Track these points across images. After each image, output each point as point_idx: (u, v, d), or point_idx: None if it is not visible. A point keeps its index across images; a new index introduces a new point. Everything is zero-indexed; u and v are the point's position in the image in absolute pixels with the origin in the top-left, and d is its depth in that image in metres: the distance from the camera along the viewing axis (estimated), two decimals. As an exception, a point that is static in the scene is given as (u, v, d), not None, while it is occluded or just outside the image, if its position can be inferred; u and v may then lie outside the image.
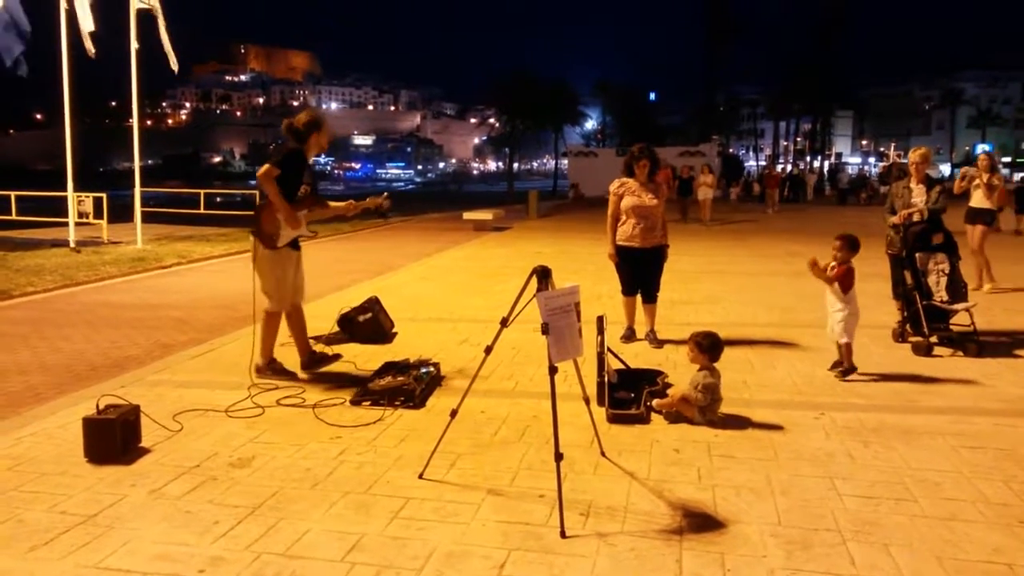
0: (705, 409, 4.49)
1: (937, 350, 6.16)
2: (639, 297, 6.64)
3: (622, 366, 5.23)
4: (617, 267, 6.66)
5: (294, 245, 5.49)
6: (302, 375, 5.60)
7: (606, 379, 4.73)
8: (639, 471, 3.80)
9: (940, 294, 6.39)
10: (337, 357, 5.90)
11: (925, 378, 5.46)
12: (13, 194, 18.28)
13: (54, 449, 4.13)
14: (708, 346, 4.68)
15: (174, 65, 15.23)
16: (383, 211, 5.89)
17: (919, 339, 6.21)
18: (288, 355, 5.75)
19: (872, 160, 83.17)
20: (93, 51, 14.20)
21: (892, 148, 53.06)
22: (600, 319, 5.11)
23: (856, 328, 5.47)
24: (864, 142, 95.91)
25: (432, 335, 6.98)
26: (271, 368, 5.55)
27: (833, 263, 5.48)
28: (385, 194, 5.89)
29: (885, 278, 7.12)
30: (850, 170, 52.05)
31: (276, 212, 5.23)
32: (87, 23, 13.94)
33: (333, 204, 5.71)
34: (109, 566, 2.90)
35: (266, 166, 5.15)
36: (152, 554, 2.98)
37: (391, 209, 6.01)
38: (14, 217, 18.07)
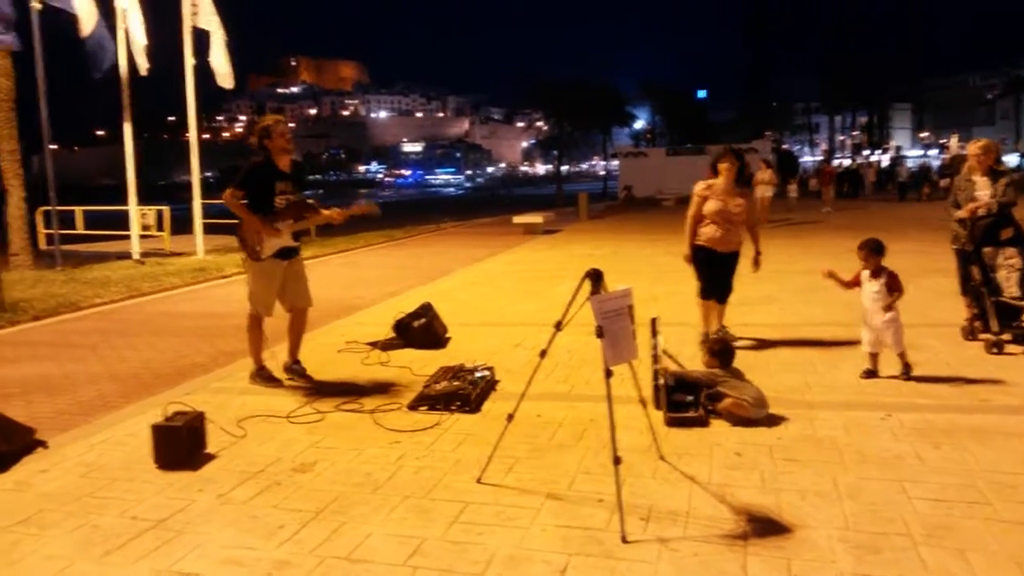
0: (754, 404, 4.44)
1: (1009, 348, 5.94)
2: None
3: (678, 369, 5.17)
4: (697, 269, 6.50)
5: (284, 255, 5.55)
6: (284, 379, 5.69)
7: (662, 382, 4.69)
8: (700, 475, 3.75)
9: (1011, 290, 6.16)
10: (309, 380, 5.72)
11: (997, 377, 5.26)
12: (79, 209, 18.95)
13: (124, 456, 4.25)
14: (718, 351, 4.81)
15: (229, 84, 15.53)
16: (374, 216, 6.10)
17: (989, 336, 6.00)
18: (345, 360, 5.83)
19: (933, 153, 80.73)
20: (147, 67, 14.64)
21: (954, 140, 51.35)
22: (654, 321, 5.06)
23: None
24: (924, 135, 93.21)
25: (485, 339, 7.00)
26: (259, 375, 5.64)
27: (867, 272, 5.32)
28: (374, 203, 6.20)
29: (949, 274, 6.89)
30: (910, 163, 50.15)
31: (255, 225, 5.36)
32: (140, 39, 14.38)
33: (324, 212, 5.69)
34: (180, 570, 2.97)
35: (228, 189, 5.33)
36: (221, 558, 3.05)
37: (379, 215, 6.18)
38: (80, 231, 18.72)
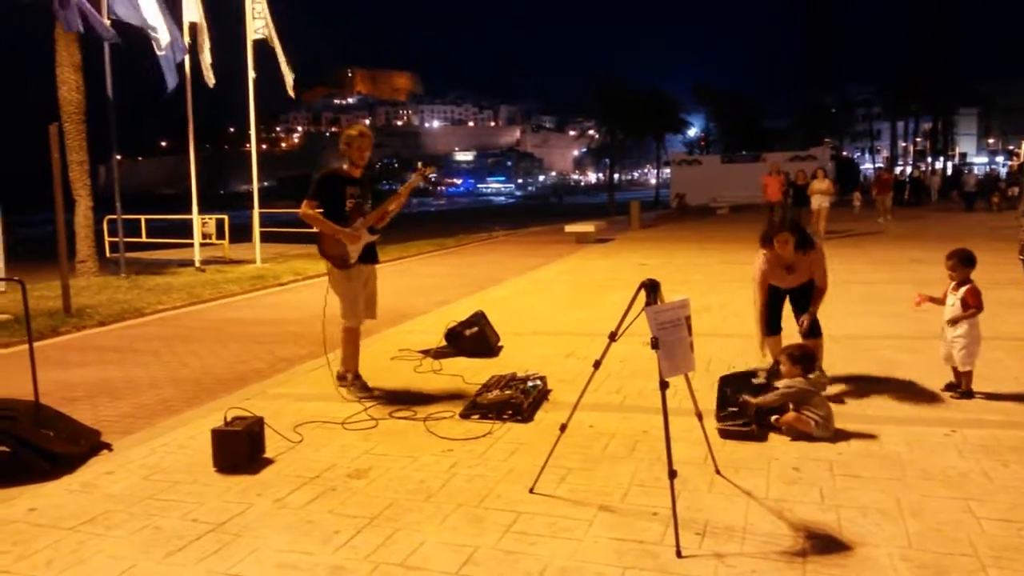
0: (821, 424, 4.32)
1: (1082, 362, 5.70)
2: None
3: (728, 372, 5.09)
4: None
5: (367, 258, 5.64)
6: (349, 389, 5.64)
7: (727, 393, 4.61)
8: (756, 490, 3.68)
9: (1084, 302, 5.91)
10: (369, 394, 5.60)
11: (1070, 393, 5.05)
12: (143, 218, 19.57)
13: (186, 459, 4.36)
14: (799, 357, 4.60)
15: (291, 90, 15.91)
16: (427, 176, 5.99)
17: (1061, 350, 5.76)
18: (398, 367, 5.87)
19: (1000, 159, 78.03)
20: (213, 81, 15.08)
21: (1023, 146, 49.58)
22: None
23: (980, 348, 5.08)
24: (991, 140, 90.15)
25: (537, 349, 7.00)
26: (356, 383, 5.66)
27: (952, 284, 5.12)
28: (419, 164, 5.97)
29: (1020, 285, 6.65)
30: (976, 170, 48.17)
31: (335, 234, 5.43)
32: (207, 55, 14.86)
33: (391, 198, 5.65)
34: (238, 573, 3.03)
35: (303, 204, 5.44)
36: (277, 562, 3.10)
37: (434, 170, 6.09)
38: (144, 239, 19.32)
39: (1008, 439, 4.23)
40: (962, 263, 5.07)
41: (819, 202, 18.15)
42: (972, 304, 4.97)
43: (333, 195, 5.49)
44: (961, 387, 5.06)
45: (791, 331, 5.49)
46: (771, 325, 5.52)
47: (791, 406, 4.44)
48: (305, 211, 5.42)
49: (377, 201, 5.64)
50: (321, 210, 5.46)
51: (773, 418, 4.48)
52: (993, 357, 5.86)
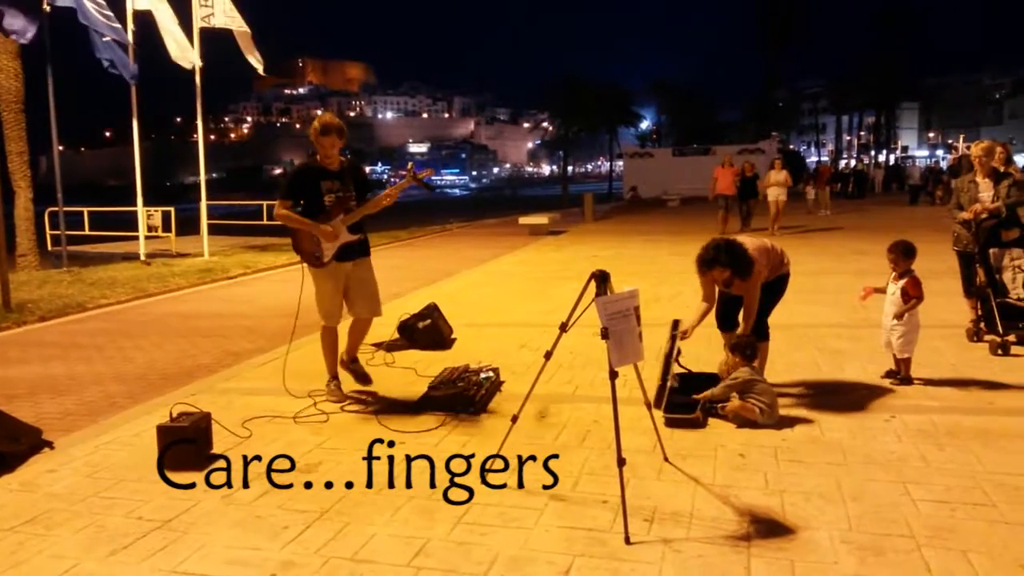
0: (766, 411, 4.42)
1: (1014, 349, 5.92)
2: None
3: (683, 370, 5.18)
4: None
5: (346, 256, 5.16)
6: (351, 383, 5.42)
7: (668, 383, 4.69)
8: (704, 476, 3.75)
9: (1017, 291, 6.14)
10: (367, 382, 5.49)
11: (1002, 379, 5.25)
12: (85, 210, 19.04)
13: (130, 456, 4.28)
14: (743, 347, 4.68)
15: (262, 70, 15.53)
16: (421, 179, 5.19)
17: (994, 338, 5.98)
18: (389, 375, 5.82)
19: (940, 153, 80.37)
20: (200, 64, 14.74)
21: (961, 140, 51.14)
22: (675, 323, 5.06)
23: (918, 336, 5.25)
24: (931, 135, 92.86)
25: (490, 340, 7.02)
26: (330, 386, 5.30)
27: (893, 274, 5.28)
28: (410, 165, 5.23)
29: (954, 274, 6.87)
30: (918, 163, 49.21)
31: (311, 231, 5.04)
32: (179, 36, 14.48)
33: (375, 200, 5.19)
34: (186, 570, 2.99)
35: (276, 204, 5.14)
36: (226, 559, 3.07)
37: (431, 173, 5.37)
38: (87, 232, 18.81)
39: (944, 424, 4.38)
40: (903, 255, 5.22)
41: (776, 194, 17.32)
42: (913, 295, 5.12)
43: (308, 191, 5.06)
44: (901, 374, 5.22)
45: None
46: (726, 323, 5.33)
47: (735, 395, 4.53)
48: (279, 211, 5.06)
49: (363, 193, 5.24)
50: (299, 208, 5.08)
51: (719, 406, 4.57)
52: (931, 345, 6.05)
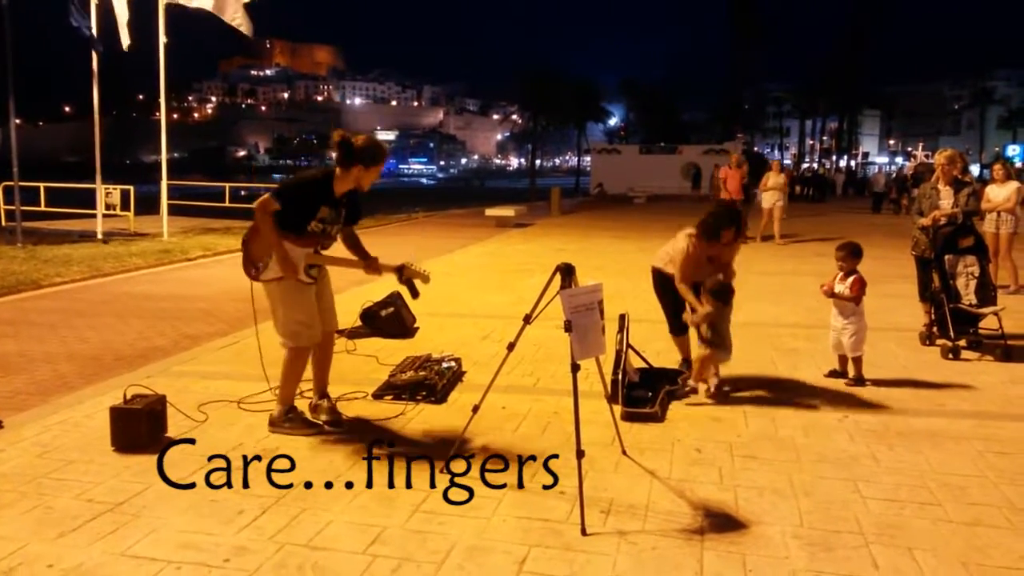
0: (721, 344, 4.85)
1: (965, 354, 6.08)
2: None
3: (644, 365, 5.23)
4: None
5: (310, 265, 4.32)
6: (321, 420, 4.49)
7: (621, 377, 4.73)
8: (660, 470, 3.80)
9: (969, 297, 6.30)
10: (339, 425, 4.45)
11: (952, 382, 5.39)
12: (42, 185, 18.55)
13: (81, 438, 4.19)
14: (718, 290, 4.88)
15: (250, 32, 14.79)
16: (413, 285, 4.38)
17: (946, 342, 6.14)
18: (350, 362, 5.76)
19: (899, 160, 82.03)
20: (129, 42, 14.31)
21: (920, 148, 52.22)
22: (622, 317, 5.11)
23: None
24: (891, 141, 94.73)
25: (454, 331, 7.00)
26: (290, 418, 4.38)
27: (840, 274, 5.40)
28: (424, 271, 4.37)
29: (911, 279, 7.04)
30: (875, 169, 49.81)
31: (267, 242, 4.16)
32: (123, 13, 14.05)
33: (350, 261, 4.40)
34: (136, 553, 2.94)
35: (264, 196, 4.10)
36: (178, 543, 3.03)
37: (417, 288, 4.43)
38: (43, 208, 18.33)
39: (895, 424, 4.49)
40: (851, 255, 5.38)
41: (773, 199, 15.31)
42: (855, 292, 5.26)
43: (304, 209, 4.17)
44: (850, 374, 5.34)
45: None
46: (679, 326, 5.33)
47: (706, 347, 4.87)
48: (263, 211, 4.06)
49: (353, 219, 4.46)
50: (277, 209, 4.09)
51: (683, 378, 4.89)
52: (884, 347, 6.19)
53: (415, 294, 4.43)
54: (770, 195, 15.42)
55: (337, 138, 4.23)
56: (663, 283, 5.34)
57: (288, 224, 4.14)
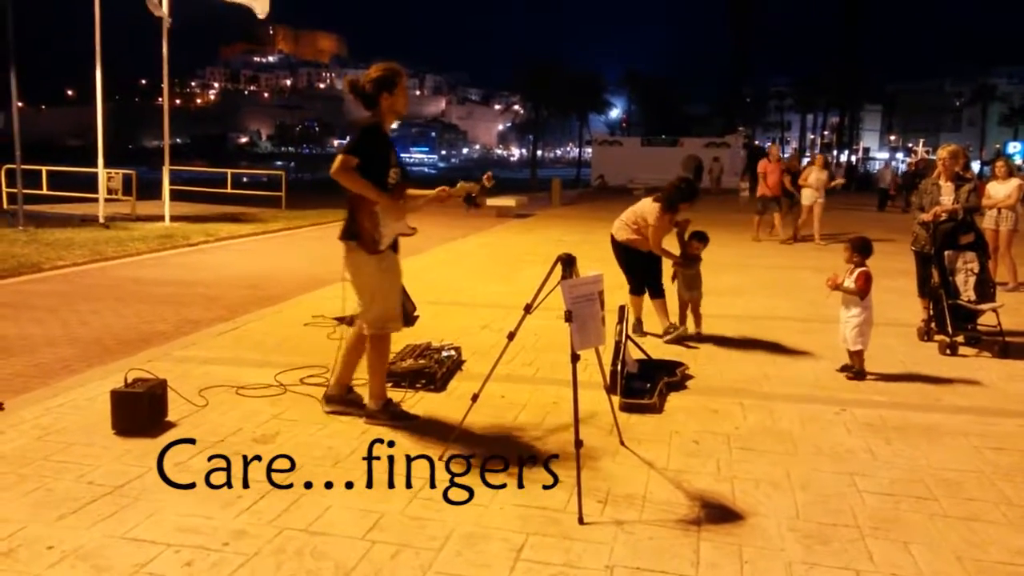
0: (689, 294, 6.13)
1: (962, 350, 6.10)
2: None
3: (643, 356, 5.24)
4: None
5: (393, 247, 4.32)
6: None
7: (620, 368, 4.74)
8: (658, 461, 3.81)
9: (967, 293, 6.31)
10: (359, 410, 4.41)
11: (949, 378, 5.41)
12: (44, 169, 18.51)
13: (82, 420, 4.20)
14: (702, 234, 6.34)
15: (262, 13, 14.76)
16: (474, 199, 4.35)
17: (944, 338, 6.15)
18: (311, 334, 5.78)
19: (900, 156, 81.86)
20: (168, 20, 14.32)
21: (921, 145, 52.05)
22: (622, 308, 5.13)
23: (871, 332, 5.39)
24: (892, 137, 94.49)
25: (454, 320, 7.01)
26: (389, 410, 4.30)
27: (850, 267, 5.40)
28: (488, 174, 4.32)
29: (910, 275, 7.04)
30: (880, 164, 49.31)
31: (372, 206, 4.02)
32: None
33: (421, 192, 4.36)
34: (135, 536, 2.96)
35: (338, 159, 3.89)
36: (177, 526, 3.04)
37: (486, 193, 4.36)
38: (45, 192, 18.30)
39: (892, 418, 4.51)
40: (859, 250, 5.39)
41: (814, 197, 14.07)
42: (860, 286, 5.27)
43: (377, 157, 4.03)
44: (855, 368, 5.35)
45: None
46: (639, 287, 6.76)
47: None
48: (343, 169, 3.87)
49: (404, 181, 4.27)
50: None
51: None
52: (883, 342, 6.20)
53: (478, 204, 4.40)
54: (811, 193, 14.12)
55: (348, 87, 4.14)
56: (625, 251, 6.95)
57: (373, 181, 3.99)
